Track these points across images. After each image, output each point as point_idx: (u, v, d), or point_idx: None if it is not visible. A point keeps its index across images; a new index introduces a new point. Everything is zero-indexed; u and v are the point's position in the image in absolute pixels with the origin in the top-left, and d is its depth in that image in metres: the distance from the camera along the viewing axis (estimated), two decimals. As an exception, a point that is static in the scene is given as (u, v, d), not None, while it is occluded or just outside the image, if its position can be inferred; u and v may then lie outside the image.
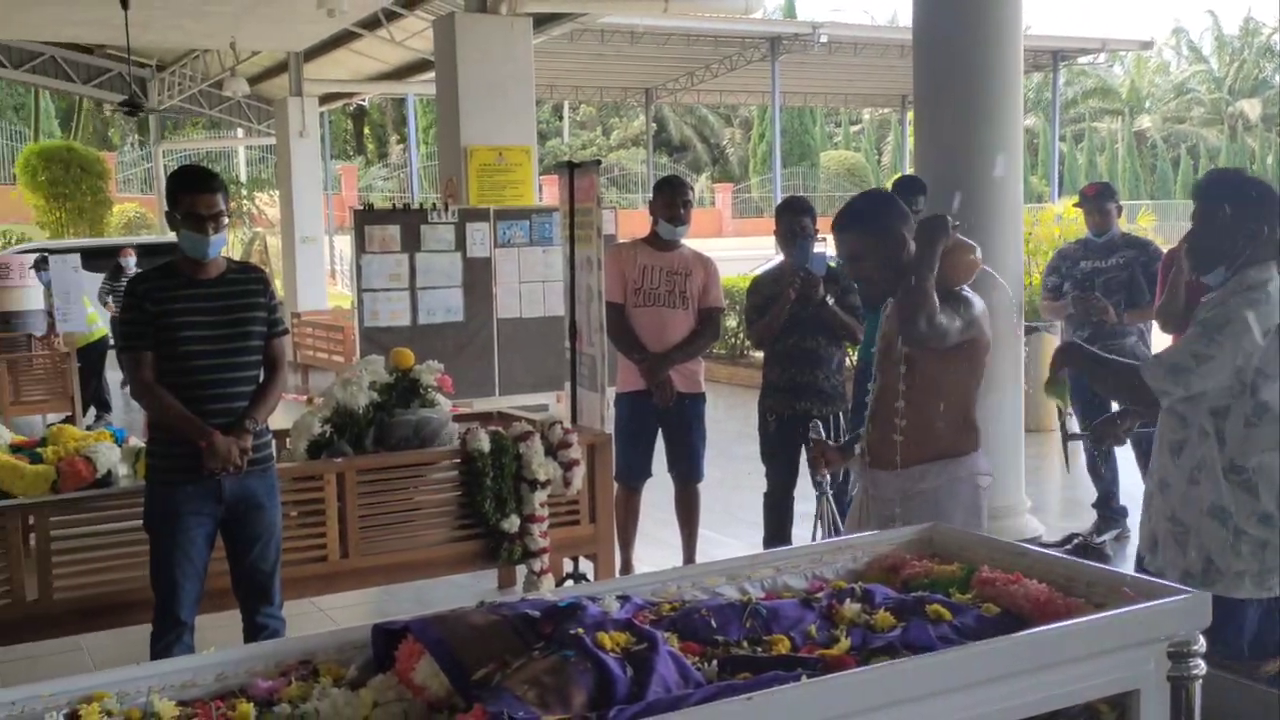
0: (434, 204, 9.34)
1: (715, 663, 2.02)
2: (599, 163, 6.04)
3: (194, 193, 3.84)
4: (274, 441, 4.21)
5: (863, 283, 3.63)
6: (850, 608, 2.24)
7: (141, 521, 4.02)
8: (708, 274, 5.66)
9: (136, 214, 25.49)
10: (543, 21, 12.29)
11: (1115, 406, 4.01)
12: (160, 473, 3.94)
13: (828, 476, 4.09)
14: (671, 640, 2.07)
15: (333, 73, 17.65)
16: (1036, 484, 7.16)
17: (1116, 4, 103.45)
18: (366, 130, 40.98)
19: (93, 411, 11.00)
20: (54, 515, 4.39)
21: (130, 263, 12.28)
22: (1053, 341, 7.93)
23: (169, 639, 3.89)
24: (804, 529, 5.18)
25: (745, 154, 43.56)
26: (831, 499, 4.34)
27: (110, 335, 11.07)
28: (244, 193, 24.96)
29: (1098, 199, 6.29)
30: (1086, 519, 6.58)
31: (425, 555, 4.98)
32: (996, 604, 2.27)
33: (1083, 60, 29.95)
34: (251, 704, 1.95)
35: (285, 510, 4.34)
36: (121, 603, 4.36)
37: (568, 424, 5.37)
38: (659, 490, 5.96)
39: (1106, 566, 2.80)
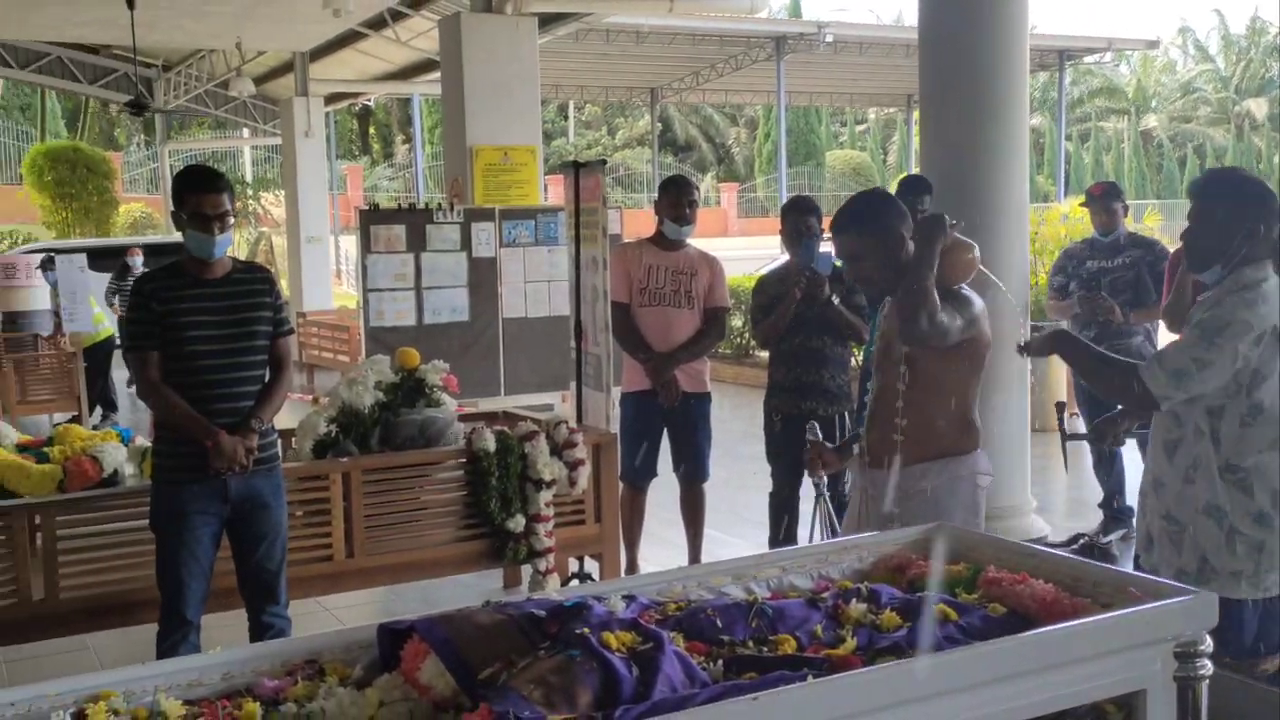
0: (439, 204, 9.34)
1: (721, 662, 2.02)
2: (604, 162, 6.04)
3: (200, 193, 3.84)
4: (279, 441, 4.21)
5: (862, 283, 3.63)
6: (856, 608, 2.24)
7: (148, 521, 4.02)
8: (713, 273, 5.66)
9: (142, 214, 25.55)
10: (548, 21, 12.30)
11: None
12: (166, 472, 3.95)
13: (824, 478, 4.07)
14: (677, 640, 2.07)
15: (338, 73, 17.67)
16: (1042, 484, 7.15)
17: (1123, 3, 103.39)
18: (372, 130, 41.02)
19: (99, 411, 11.02)
20: (60, 515, 4.40)
21: (138, 262, 12.31)
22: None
23: (175, 638, 3.90)
24: (809, 529, 5.18)
25: (750, 153, 43.53)
26: (829, 501, 4.32)
27: (116, 335, 11.09)
28: (250, 193, 25.01)
29: (1104, 198, 6.27)
30: (1092, 519, 6.57)
31: (431, 555, 4.99)
32: (1003, 604, 2.27)
33: (1089, 59, 29.89)
34: (257, 703, 1.95)
35: (291, 510, 4.34)
36: (127, 602, 4.36)
37: (573, 424, 5.37)
38: (664, 490, 5.96)
39: (1113, 567, 2.79)
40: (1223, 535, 3.12)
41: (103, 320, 11.15)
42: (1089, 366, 3.42)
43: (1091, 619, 2.13)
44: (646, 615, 2.20)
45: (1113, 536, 6.29)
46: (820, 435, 3.95)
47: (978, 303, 3.40)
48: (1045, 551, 2.59)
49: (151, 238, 18.76)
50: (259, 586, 4.08)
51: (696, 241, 5.80)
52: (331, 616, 5.42)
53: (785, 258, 5.60)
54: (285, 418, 4.62)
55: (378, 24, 14.49)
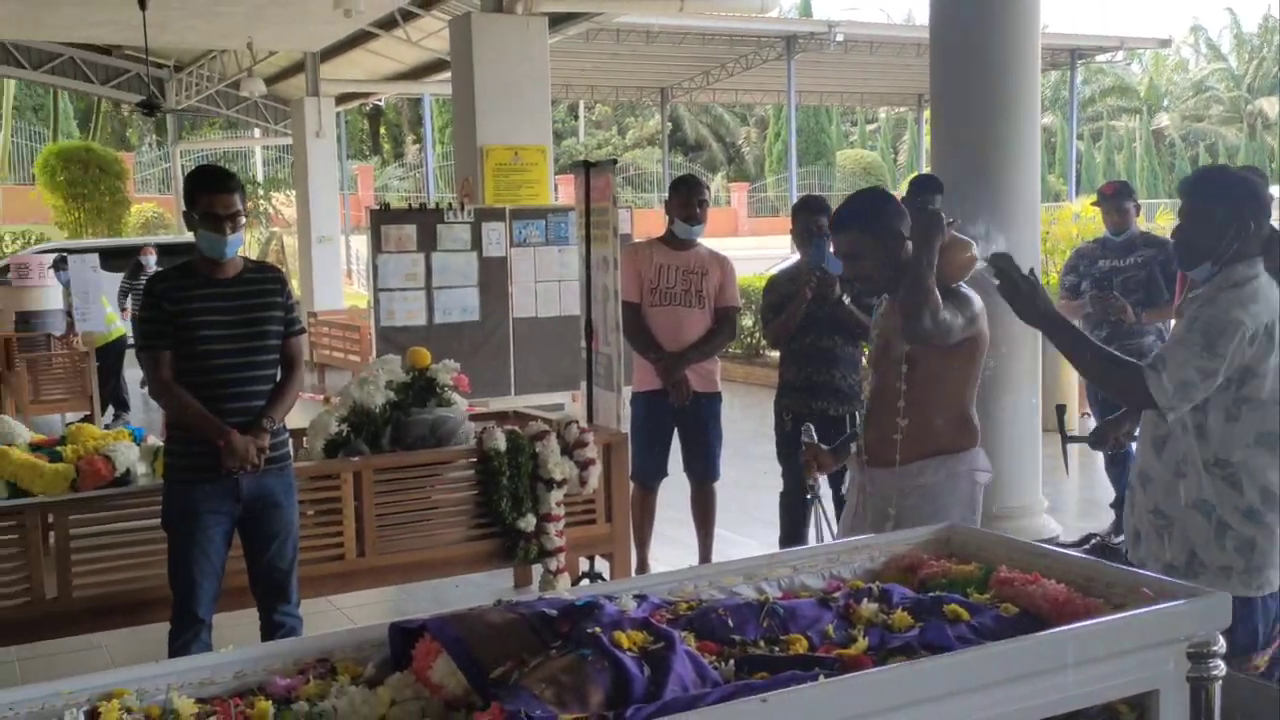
0: (450, 204, 9.35)
1: (732, 662, 2.02)
2: (615, 162, 6.03)
3: (211, 193, 3.85)
4: (291, 440, 4.22)
5: (861, 281, 3.62)
6: (868, 607, 2.24)
7: (160, 520, 4.04)
8: (724, 273, 5.66)
9: (154, 214, 25.61)
10: (558, 21, 12.29)
11: None
12: (178, 471, 3.96)
13: (819, 480, 4.06)
14: (688, 639, 2.07)
15: (349, 73, 17.69)
16: (1053, 484, 7.13)
17: (1135, 2, 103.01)
18: (383, 130, 41.08)
19: (111, 410, 11.06)
20: (73, 514, 4.41)
21: (150, 261, 12.35)
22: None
23: (187, 637, 3.91)
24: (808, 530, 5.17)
25: (761, 153, 43.49)
26: (822, 502, 4.30)
27: (129, 334, 11.13)
28: (261, 193, 25.03)
29: (1116, 198, 6.26)
30: (1104, 519, 6.55)
31: (442, 554, 4.99)
32: (1015, 604, 2.26)
33: (1101, 58, 29.77)
34: (270, 702, 1.95)
35: (302, 509, 4.35)
36: (140, 601, 4.38)
37: (584, 423, 5.37)
38: (675, 490, 5.96)
39: (1125, 567, 2.79)
40: (1211, 529, 3.11)
41: (115, 320, 11.18)
42: (1079, 353, 3.28)
43: (1104, 619, 2.13)
44: (658, 615, 2.20)
45: (1124, 536, 6.26)
46: (816, 437, 3.92)
47: (977, 301, 3.40)
48: (1057, 551, 2.58)
49: (163, 238, 18.80)
50: (270, 585, 4.09)
51: (707, 241, 5.80)
52: (343, 615, 5.42)
53: (796, 257, 5.59)
54: (296, 417, 4.63)
55: (388, 24, 14.51)
